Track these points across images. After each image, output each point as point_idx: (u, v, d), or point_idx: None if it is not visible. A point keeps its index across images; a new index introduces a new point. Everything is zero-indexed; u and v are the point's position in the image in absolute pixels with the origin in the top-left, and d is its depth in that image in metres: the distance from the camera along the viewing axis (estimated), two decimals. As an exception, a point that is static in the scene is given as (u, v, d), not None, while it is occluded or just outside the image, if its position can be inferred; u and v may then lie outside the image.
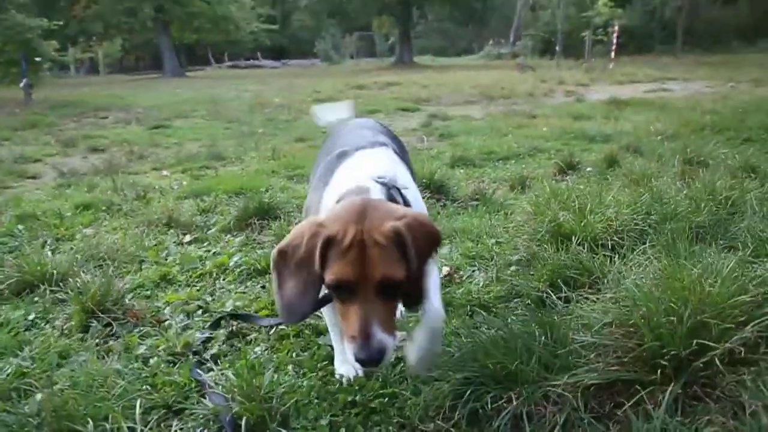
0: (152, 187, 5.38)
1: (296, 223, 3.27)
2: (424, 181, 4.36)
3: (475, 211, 4.08)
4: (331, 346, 2.17)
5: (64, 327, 2.53)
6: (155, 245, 3.61)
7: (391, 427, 1.81)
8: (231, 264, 3.18)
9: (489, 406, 1.78)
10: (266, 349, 2.29)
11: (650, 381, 1.78)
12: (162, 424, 1.83)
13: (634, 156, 5.98)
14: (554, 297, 2.46)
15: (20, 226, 4.07)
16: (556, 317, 2.15)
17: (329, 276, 1.48)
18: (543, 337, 1.96)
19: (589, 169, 5.30)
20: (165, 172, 6.41)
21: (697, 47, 33.05)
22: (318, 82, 20.98)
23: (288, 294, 1.57)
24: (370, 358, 1.42)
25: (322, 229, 1.52)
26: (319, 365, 2.15)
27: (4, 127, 10.65)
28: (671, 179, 4.43)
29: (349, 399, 1.93)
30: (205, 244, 3.63)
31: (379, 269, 1.45)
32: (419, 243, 1.52)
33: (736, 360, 1.85)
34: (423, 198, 4.06)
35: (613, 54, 24.15)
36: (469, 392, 1.82)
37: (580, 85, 16.47)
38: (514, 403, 1.76)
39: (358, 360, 1.43)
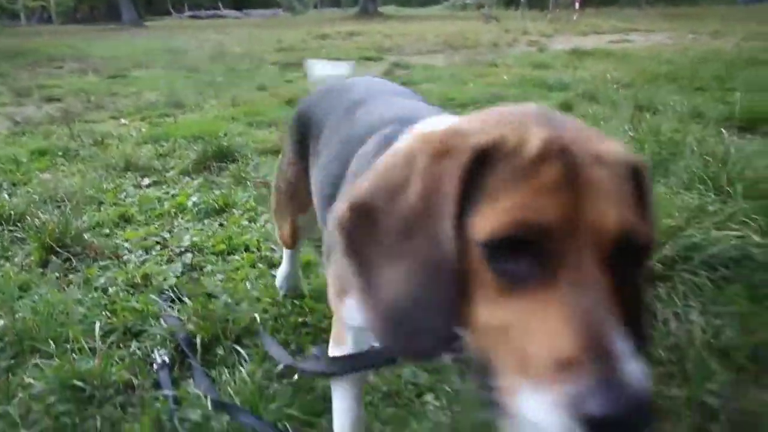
0: (110, 134, 5.33)
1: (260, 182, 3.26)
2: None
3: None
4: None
5: (24, 263, 2.58)
6: (114, 188, 3.63)
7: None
8: (189, 204, 3.24)
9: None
10: (222, 280, 2.39)
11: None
12: (121, 344, 1.93)
13: (589, 103, 6.16)
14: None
15: (-26, 172, 4.04)
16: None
17: (495, 220, 0.72)
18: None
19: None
20: (123, 121, 6.32)
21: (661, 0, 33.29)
22: (281, 33, 20.54)
23: (391, 296, 0.79)
24: (623, 415, 0.61)
25: (461, 141, 0.79)
26: (273, 293, 2.27)
27: (-47, 76, 10.28)
28: (621, 123, 4.60)
29: (300, 320, 2.06)
30: (163, 186, 3.67)
31: (618, 212, 0.73)
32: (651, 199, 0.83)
33: (655, 276, 2.03)
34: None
35: (577, 5, 24.19)
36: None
37: (544, 36, 16.49)
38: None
39: (587, 420, 0.61)
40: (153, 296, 2.17)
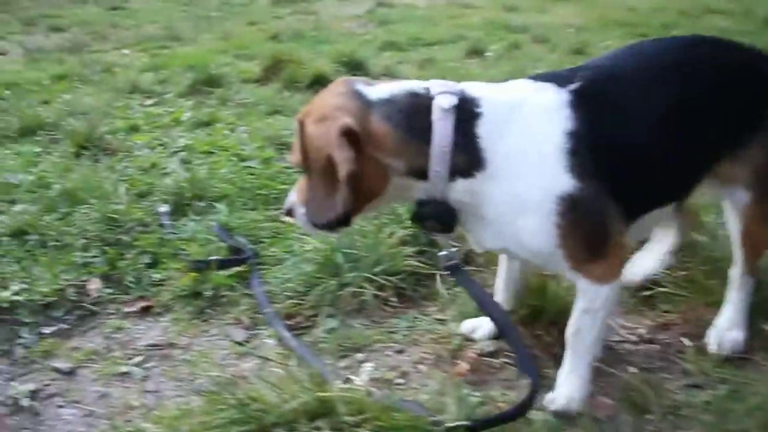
0: (116, 63, 6.19)
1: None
2: (343, 59, 5.32)
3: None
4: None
5: (63, 155, 3.55)
6: (123, 105, 4.57)
7: (281, 206, 2.95)
8: (183, 118, 4.19)
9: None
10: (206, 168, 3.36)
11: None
12: (137, 202, 2.93)
13: (538, 45, 7.01)
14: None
15: (7, 91, 4.94)
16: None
17: None
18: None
19: (489, 54, 6.31)
20: (125, 51, 7.15)
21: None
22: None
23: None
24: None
25: None
26: (243, 176, 3.23)
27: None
28: (551, 64, 5.49)
29: (258, 192, 3.04)
30: (163, 105, 4.61)
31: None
32: (308, 141, 1.56)
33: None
34: (342, 72, 5.09)
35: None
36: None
37: (531, -23, 16.89)
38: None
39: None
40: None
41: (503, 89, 1.61)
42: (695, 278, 2.17)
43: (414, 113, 1.50)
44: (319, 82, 4.75)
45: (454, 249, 1.75)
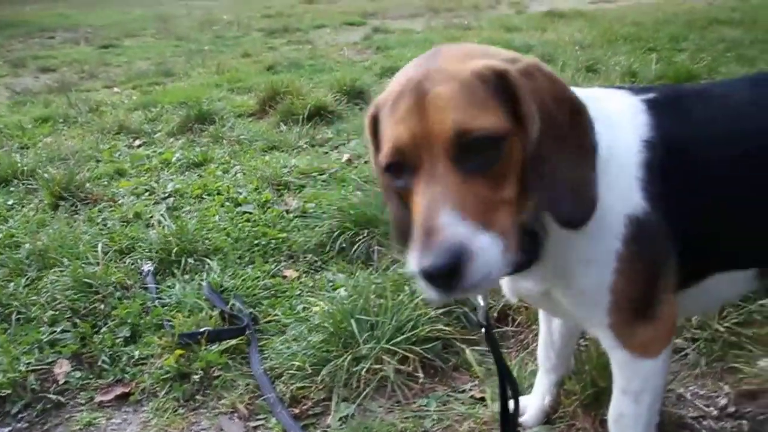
0: (104, 102, 5.89)
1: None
2: (344, 87, 5.00)
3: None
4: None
5: (38, 207, 3.21)
6: (109, 148, 4.24)
7: (282, 258, 2.58)
8: (173, 159, 3.85)
9: (348, 241, 2.55)
10: (197, 215, 3.01)
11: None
12: (117, 260, 2.57)
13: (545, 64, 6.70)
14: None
15: (-15, 137, 4.63)
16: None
17: (382, 154, 1.03)
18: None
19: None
20: (116, 89, 6.87)
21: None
22: (270, -2, 20.79)
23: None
24: (435, 265, 0.88)
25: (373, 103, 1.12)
26: (238, 223, 2.88)
27: (-50, 49, 10.75)
28: (569, 79, 5.18)
29: (255, 242, 2.68)
30: (152, 146, 4.27)
31: (449, 116, 0.95)
32: (542, 95, 1.00)
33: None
34: (343, 102, 4.77)
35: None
36: (337, 233, 2.59)
37: (528, -3, 16.81)
38: (365, 239, 2.53)
39: (422, 274, 0.90)
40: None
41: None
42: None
43: None
44: (318, 114, 4.43)
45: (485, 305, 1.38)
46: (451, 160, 0.94)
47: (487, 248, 0.90)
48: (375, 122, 1.08)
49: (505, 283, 1.32)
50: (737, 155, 1.23)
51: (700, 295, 1.32)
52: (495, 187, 0.96)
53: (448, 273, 0.88)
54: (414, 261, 0.90)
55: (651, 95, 1.24)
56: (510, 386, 1.42)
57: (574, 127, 1.04)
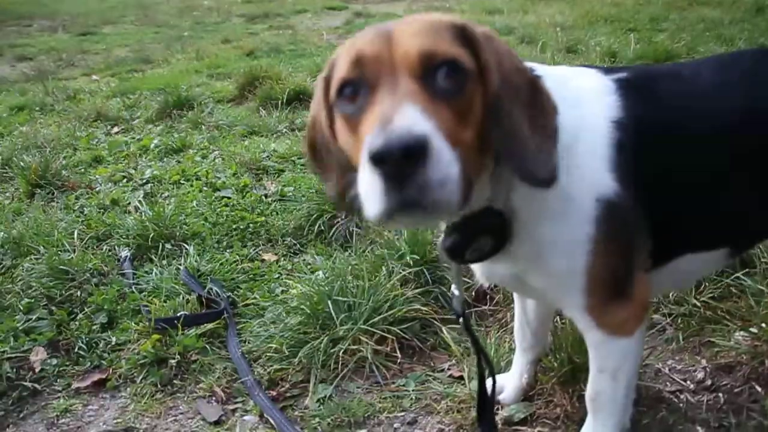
0: (82, 90, 5.80)
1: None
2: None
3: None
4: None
5: (14, 195, 3.16)
6: (86, 135, 4.18)
7: (260, 241, 2.57)
8: (152, 146, 3.81)
9: (327, 224, 2.55)
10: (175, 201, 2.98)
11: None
12: (94, 246, 2.54)
13: (526, 45, 6.69)
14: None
15: (-41, 126, 4.55)
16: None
17: (336, 77, 1.02)
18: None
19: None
20: (94, 77, 6.76)
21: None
22: (251, -17, 20.50)
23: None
24: (388, 145, 0.83)
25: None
26: (216, 208, 2.85)
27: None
28: (548, 60, 5.17)
29: (233, 227, 2.67)
30: (130, 133, 4.22)
31: (416, 40, 0.97)
32: (501, 57, 1.03)
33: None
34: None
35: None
36: (315, 216, 2.58)
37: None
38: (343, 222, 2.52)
39: (372, 159, 0.85)
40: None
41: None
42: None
43: None
44: (297, 98, 4.39)
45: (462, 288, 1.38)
46: (416, 77, 0.94)
47: (447, 154, 0.86)
48: (327, 85, 1.06)
49: (478, 268, 1.33)
50: (707, 135, 1.23)
51: (673, 273, 1.34)
52: (458, 122, 0.95)
53: (403, 157, 0.82)
54: (364, 148, 0.86)
55: (621, 75, 1.24)
56: (487, 368, 1.42)
57: (535, 104, 1.04)
